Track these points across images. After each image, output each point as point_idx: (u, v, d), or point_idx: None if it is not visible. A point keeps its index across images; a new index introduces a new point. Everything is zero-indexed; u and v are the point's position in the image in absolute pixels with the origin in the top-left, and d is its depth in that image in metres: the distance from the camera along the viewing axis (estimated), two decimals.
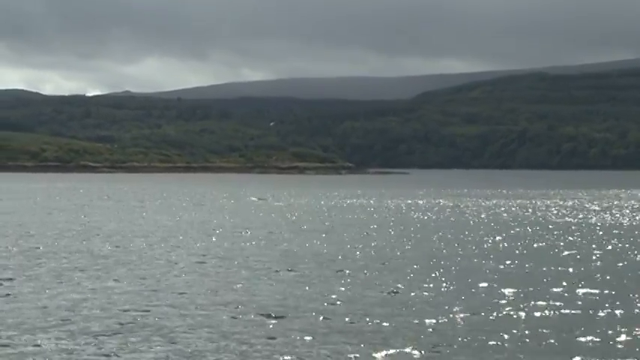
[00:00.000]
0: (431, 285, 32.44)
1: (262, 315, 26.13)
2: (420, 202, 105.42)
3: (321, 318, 25.69)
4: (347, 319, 25.40)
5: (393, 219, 72.73)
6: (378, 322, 25.02)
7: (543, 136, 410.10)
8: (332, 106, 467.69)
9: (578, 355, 21.44)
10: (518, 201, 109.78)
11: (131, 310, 26.89)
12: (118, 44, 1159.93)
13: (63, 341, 22.60)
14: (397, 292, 30.56)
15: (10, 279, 33.43)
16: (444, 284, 32.67)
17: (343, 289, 31.43)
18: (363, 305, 27.85)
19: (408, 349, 21.81)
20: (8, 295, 29.43)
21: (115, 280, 33.57)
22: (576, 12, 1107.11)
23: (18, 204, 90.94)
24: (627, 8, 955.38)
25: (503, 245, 49.32)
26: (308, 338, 23.05)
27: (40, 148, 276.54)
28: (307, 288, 31.59)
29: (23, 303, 27.95)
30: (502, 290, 31.06)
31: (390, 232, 58.28)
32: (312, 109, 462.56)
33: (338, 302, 28.43)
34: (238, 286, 31.97)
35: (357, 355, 21.30)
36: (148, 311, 26.69)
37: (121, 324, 24.71)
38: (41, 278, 33.76)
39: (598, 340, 23.05)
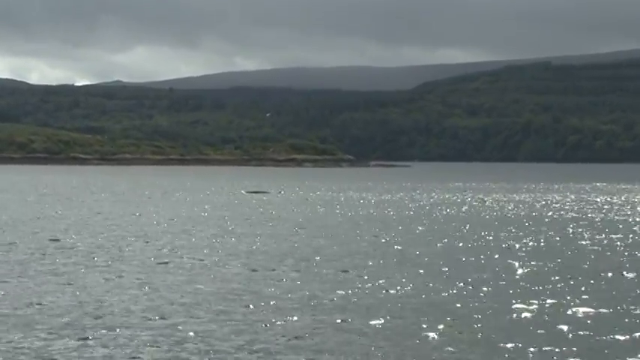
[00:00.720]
0: (443, 282, 31.63)
1: (273, 312, 25.70)
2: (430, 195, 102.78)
3: (338, 316, 25.34)
4: (358, 319, 24.89)
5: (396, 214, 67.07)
6: (392, 321, 24.67)
7: (548, 128, 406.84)
8: (330, 96, 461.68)
9: (598, 356, 20.85)
10: (527, 195, 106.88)
11: (137, 307, 26.33)
12: (108, 32, 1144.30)
13: (71, 340, 21.98)
14: (406, 291, 29.94)
15: (10, 276, 32.58)
16: (455, 282, 31.62)
17: (355, 286, 30.67)
18: (374, 304, 27.30)
19: (423, 347, 21.54)
20: (7, 293, 28.57)
21: (120, 276, 32.76)
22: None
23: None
24: None
25: (514, 242, 47.64)
26: (324, 337, 22.71)
27: (28, 139, 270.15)
28: (319, 285, 30.89)
29: (36, 299, 27.35)
30: (515, 288, 30.30)
31: (392, 227, 57.12)
32: (310, 99, 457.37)
33: (353, 299, 28.06)
34: (247, 282, 31.52)
35: (370, 356, 20.92)
36: (154, 309, 26.13)
37: (129, 321, 24.23)
38: (45, 275, 32.82)
39: (621, 339, 22.37)
